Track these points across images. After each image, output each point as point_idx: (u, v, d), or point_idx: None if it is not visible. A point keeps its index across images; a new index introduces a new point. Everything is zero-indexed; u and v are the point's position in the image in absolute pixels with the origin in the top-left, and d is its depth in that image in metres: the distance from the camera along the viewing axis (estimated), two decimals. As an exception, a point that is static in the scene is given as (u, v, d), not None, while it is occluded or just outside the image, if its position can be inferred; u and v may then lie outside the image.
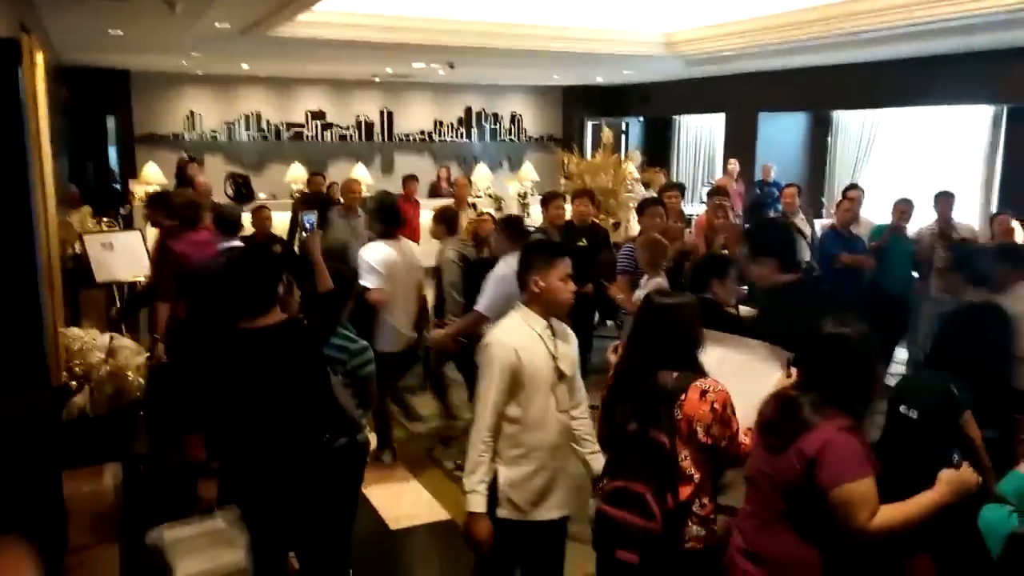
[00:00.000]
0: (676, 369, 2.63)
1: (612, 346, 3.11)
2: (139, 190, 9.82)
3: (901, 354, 6.91)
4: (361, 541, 3.85)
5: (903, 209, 6.59)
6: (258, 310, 2.92)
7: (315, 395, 2.99)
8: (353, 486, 3.54)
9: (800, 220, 7.21)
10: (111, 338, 3.47)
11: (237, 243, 4.85)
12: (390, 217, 5.17)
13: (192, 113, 12.98)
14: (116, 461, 3.30)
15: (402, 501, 4.71)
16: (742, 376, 2.79)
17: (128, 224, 9.00)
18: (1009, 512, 2.26)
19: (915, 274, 6.62)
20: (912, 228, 6.73)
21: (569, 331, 3.00)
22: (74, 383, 3.37)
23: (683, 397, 2.58)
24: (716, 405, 2.57)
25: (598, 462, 3.00)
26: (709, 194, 7.42)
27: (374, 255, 4.95)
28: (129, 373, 3.39)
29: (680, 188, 7.10)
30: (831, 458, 2.24)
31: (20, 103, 2.77)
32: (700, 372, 2.66)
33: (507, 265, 4.23)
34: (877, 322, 7.24)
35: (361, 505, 3.88)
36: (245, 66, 11.81)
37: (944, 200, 6.58)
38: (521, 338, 2.80)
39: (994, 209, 8.97)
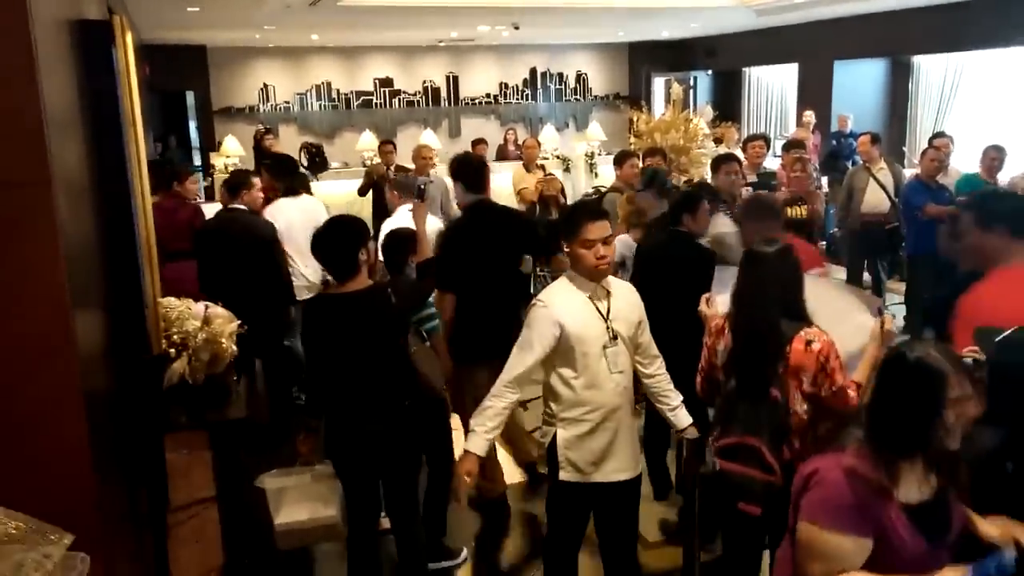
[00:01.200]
0: (786, 318, 2.65)
1: (704, 298, 3.10)
2: (219, 162, 10.13)
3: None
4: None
5: (994, 156, 6.30)
6: (342, 276, 3.04)
7: (395, 360, 3.10)
8: (440, 447, 3.66)
9: (881, 170, 6.98)
10: (206, 307, 3.63)
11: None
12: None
13: (265, 85, 13.26)
14: (213, 424, 3.47)
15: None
16: (836, 323, 2.76)
17: (209, 196, 9.31)
18: None
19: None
20: (1004, 177, 6.44)
21: (631, 291, 3.00)
22: (172, 351, 3.55)
23: (789, 348, 2.60)
24: (821, 356, 2.59)
25: (683, 416, 3.04)
26: (784, 147, 7.25)
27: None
28: (223, 340, 3.54)
29: (765, 139, 6.94)
30: (815, 492, 1.90)
31: (115, 83, 2.88)
32: (806, 320, 2.67)
33: None
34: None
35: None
36: (315, 37, 11.97)
37: None
38: (567, 301, 2.83)
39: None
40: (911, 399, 1.84)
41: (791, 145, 6.97)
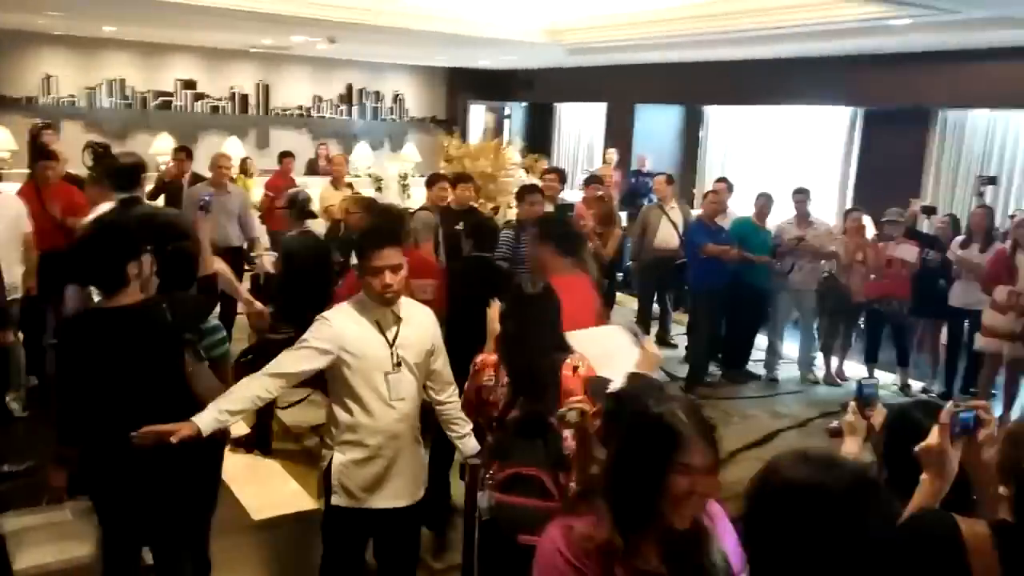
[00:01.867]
0: (553, 352, 2.75)
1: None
2: None
3: (761, 341, 7.31)
4: (222, 533, 3.73)
5: (763, 203, 6.99)
6: (109, 289, 2.78)
7: (170, 381, 2.87)
8: (211, 477, 3.43)
9: (672, 209, 7.52)
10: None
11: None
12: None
13: (48, 76, 12.09)
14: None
15: (268, 491, 4.60)
16: (604, 356, 2.89)
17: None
18: None
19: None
20: (772, 221, 7.12)
21: (426, 316, 3.00)
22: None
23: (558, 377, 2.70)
24: (586, 379, 2.70)
25: (471, 444, 3.04)
26: (586, 181, 7.59)
27: None
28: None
29: (560, 173, 7.20)
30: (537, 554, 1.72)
31: None
32: (568, 349, 2.79)
33: None
34: (740, 312, 7.67)
35: (223, 497, 3.77)
36: (109, 28, 11.09)
37: (800, 196, 7.00)
38: (351, 323, 2.80)
39: (848, 205, 9.62)
40: (639, 456, 1.61)
41: (592, 180, 7.32)
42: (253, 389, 2.73)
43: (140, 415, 2.76)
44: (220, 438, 3.40)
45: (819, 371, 7.22)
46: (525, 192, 5.85)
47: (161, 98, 12.92)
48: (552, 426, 2.64)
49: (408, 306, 2.94)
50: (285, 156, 9.44)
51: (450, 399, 3.06)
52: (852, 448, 2.34)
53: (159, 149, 10.73)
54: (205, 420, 2.61)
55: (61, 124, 11.91)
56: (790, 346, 7.41)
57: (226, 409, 2.66)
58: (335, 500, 2.85)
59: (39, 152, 7.31)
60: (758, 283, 6.91)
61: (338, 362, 2.77)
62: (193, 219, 3.87)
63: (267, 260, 6.18)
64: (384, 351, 2.79)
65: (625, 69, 11.79)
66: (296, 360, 2.77)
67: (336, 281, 4.92)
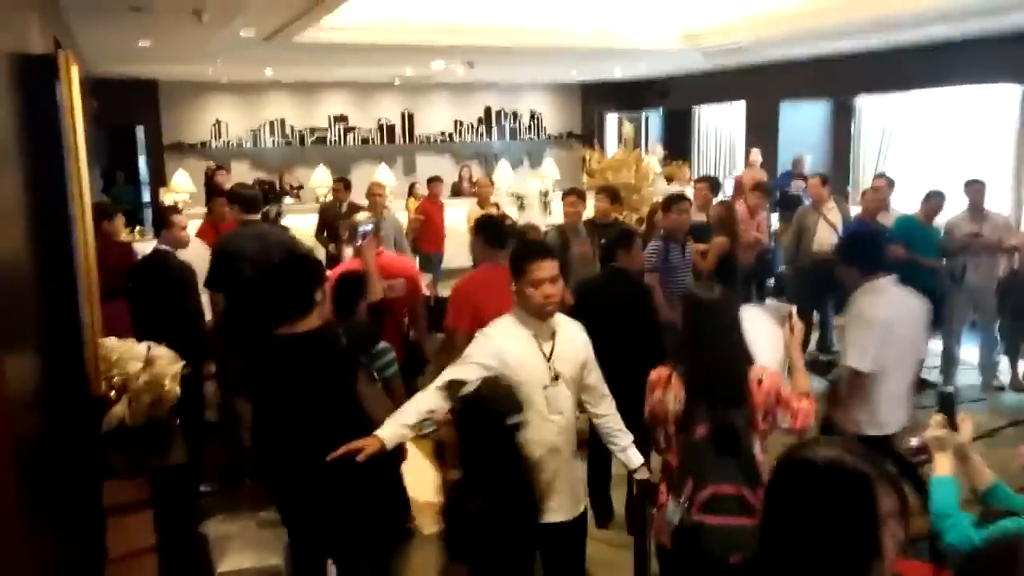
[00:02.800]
0: (743, 361, 2.66)
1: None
2: (168, 198, 9.97)
3: (936, 346, 6.82)
4: (399, 545, 3.87)
5: (935, 204, 6.49)
6: (295, 316, 2.99)
7: (346, 402, 3.04)
8: (392, 491, 3.59)
9: (830, 209, 7.15)
10: (148, 347, 3.54)
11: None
12: None
13: (218, 121, 13.15)
14: (155, 470, 3.35)
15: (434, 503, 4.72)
16: (755, 342, 2.80)
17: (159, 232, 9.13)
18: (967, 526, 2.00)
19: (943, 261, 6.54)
20: (941, 220, 6.64)
21: (578, 331, 2.99)
22: (113, 393, 3.44)
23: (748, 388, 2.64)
24: (772, 391, 2.62)
25: (634, 456, 3.01)
26: (696, 182, 7.37)
27: None
28: (166, 382, 3.45)
29: (711, 181, 7.03)
30: None
31: (58, 118, 2.84)
32: (752, 360, 2.69)
33: None
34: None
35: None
36: (269, 72, 11.94)
37: (977, 187, 6.46)
38: (509, 336, 2.85)
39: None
40: (830, 516, 1.33)
41: (702, 180, 7.06)
42: (425, 403, 2.84)
43: (320, 434, 2.95)
44: (397, 454, 3.57)
45: (1004, 376, 6.65)
46: (672, 201, 5.76)
47: (316, 134, 13.74)
48: (744, 439, 2.57)
49: (562, 320, 2.97)
50: (433, 181, 9.78)
51: (607, 411, 3.05)
52: (945, 467, 2.18)
53: (318, 182, 11.39)
54: (387, 434, 2.75)
55: (231, 164, 12.91)
56: (969, 351, 6.86)
57: (404, 423, 2.79)
58: None
59: (214, 191, 7.96)
60: (927, 283, 6.45)
61: (497, 372, 2.82)
62: (357, 246, 4.11)
63: (423, 283, 6.41)
64: (542, 365, 2.82)
65: (765, 66, 11.40)
66: (461, 373, 2.85)
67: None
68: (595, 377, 3.01)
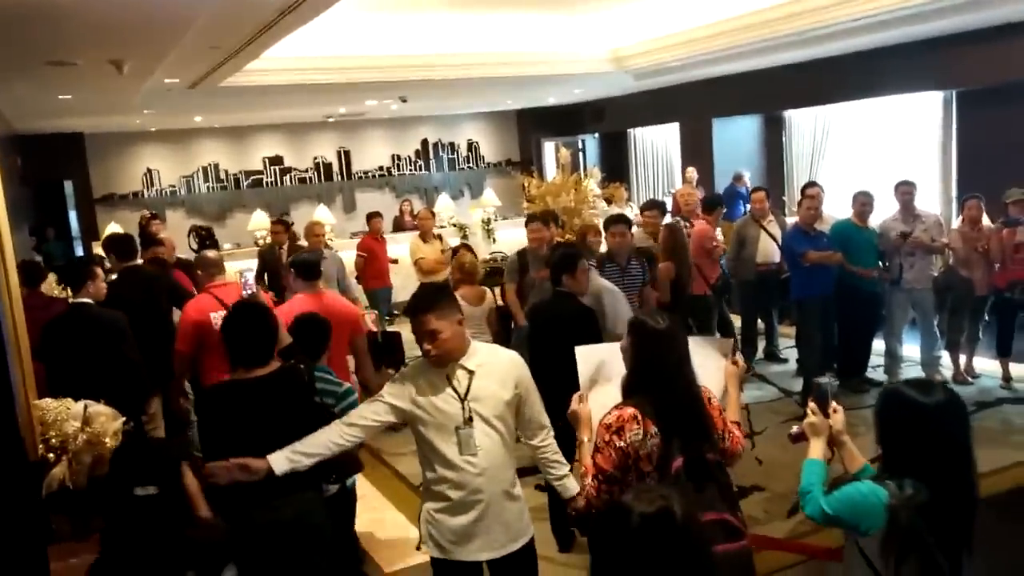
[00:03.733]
0: (699, 390, 2.64)
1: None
2: (101, 251, 9.70)
3: (879, 346, 6.98)
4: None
5: (864, 202, 6.67)
6: (257, 364, 2.92)
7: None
8: (347, 533, 3.50)
9: (770, 223, 7.31)
10: (85, 406, 3.40)
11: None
12: None
13: (149, 170, 12.91)
14: (99, 530, 3.21)
15: (396, 543, 4.65)
16: (702, 373, 2.78)
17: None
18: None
19: (881, 264, 6.72)
20: (875, 220, 6.83)
21: (509, 365, 2.90)
22: (51, 455, 3.30)
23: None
24: (719, 408, 2.65)
25: (571, 486, 2.91)
26: (643, 208, 7.29)
27: None
28: (107, 439, 3.32)
29: (660, 206, 7.08)
30: None
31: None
32: (696, 382, 2.66)
33: None
34: (851, 317, 7.26)
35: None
36: (198, 119, 11.78)
37: (905, 188, 6.67)
38: (423, 379, 2.82)
39: (955, 194, 9.17)
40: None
41: (650, 206, 7.03)
42: (328, 435, 2.80)
43: (280, 478, 2.86)
44: (349, 494, 3.48)
45: (947, 371, 6.83)
46: (610, 223, 5.82)
47: (251, 177, 13.58)
48: (717, 464, 2.56)
49: (487, 356, 2.89)
50: (372, 217, 9.71)
51: (543, 442, 2.96)
52: (818, 450, 2.36)
53: (257, 224, 11.23)
54: (277, 460, 2.70)
55: (165, 213, 12.66)
56: (911, 348, 7.04)
57: (300, 451, 2.73)
58: (425, 550, 2.87)
59: (149, 241, 7.76)
60: (867, 285, 6.62)
61: (412, 417, 2.80)
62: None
63: (368, 319, 6.34)
64: (455, 406, 2.77)
65: (696, 85, 11.67)
66: (370, 413, 2.83)
67: None
68: (532, 410, 2.93)
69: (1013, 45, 8.20)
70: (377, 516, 5.02)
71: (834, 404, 2.41)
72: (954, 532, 2.11)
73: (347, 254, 8.38)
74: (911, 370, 6.88)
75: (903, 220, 6.60)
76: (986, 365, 6.86)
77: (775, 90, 10.96)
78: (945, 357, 6.86)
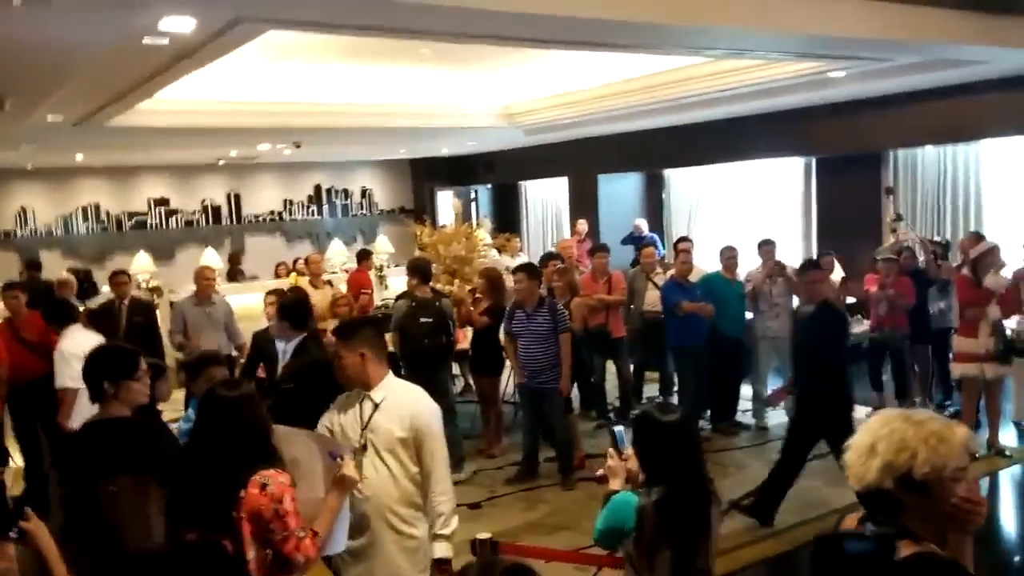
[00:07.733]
0: (248, 463, 2.45)
1: (618, 454, 2.73)
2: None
3: (747, 392, 7.42)
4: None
5: (729, 255, 7.22)
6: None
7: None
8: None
9: (657, 275, 7.76)
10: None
11: None
12: None
13: (23, 208, 12.32)
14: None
15: None
16: (311, 469, 2.71)
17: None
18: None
19: (748, 315, 7.22)
20: (742, 272, 7.36)
21: (407, 407, 2.92)
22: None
23: (243, 493, 2.39)
24: (275, 499, 2.39)
25: (439, 548, 2.90)
26: (542, 259, 7.90)
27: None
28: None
29: (557, 259, 7.68)
30: None
31: None
32: (272, 462, 2.48)
33: None
34: (721, 364, 7.65)
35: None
36: (80, 157, 11.37)
37: (767, 247, 7.26)
38: (346, 400, 3.02)
39: (815, 248, 9.93)
40: None
41: (549, 257, 7.67)
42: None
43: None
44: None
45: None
46: (513, 272, 6.17)
47: (135, 218, 13.16)
48: (222, 545, 2.40)
49: (393, 393, 2.95)
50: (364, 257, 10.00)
51: (438, 496, 2.92)
52: (615, 487, 2.65)
53: (139, 267, 10.86)
54: None
55: (40, 254, 12.07)
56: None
57: None
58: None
59: (38, 284, 7.35)
60: (734, 334, 7.09)
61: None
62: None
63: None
64: (356, 431, 2.92)
65: (583, 142, 12.23)
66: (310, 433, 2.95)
67: None
68: (427, 458, 2.90)
69: (864, 118, 9.08)
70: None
71: (629, 448, 2.64)
72: (690, 523, 2.49)
73: (235, 298, 8.22)
74: (777, 413, 7.34)
75: (767, 273, 7.16)
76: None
77: (655, 150, 11.65)
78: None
